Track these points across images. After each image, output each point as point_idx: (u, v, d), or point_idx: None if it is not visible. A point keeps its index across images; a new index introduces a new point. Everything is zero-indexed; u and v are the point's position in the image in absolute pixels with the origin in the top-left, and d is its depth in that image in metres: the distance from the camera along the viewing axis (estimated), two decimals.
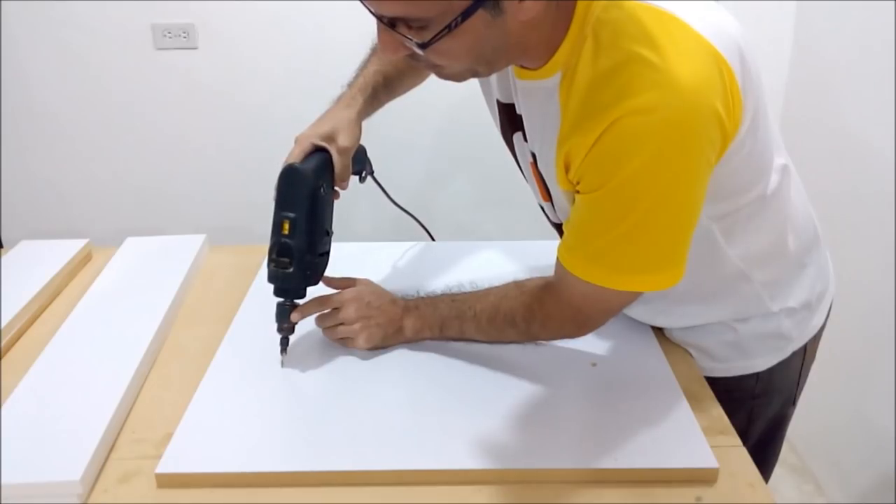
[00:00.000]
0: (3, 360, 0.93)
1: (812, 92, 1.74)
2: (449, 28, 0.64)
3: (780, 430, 1.03)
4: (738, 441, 0.77)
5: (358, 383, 0.85)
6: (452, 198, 1.93)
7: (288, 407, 0.82)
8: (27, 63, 1.74)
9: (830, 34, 1.65)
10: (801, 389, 1.00)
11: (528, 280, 0.87)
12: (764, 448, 1.01)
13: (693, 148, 0.66)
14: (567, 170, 0.72)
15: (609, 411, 0.80)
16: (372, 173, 1.05)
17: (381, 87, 0.97)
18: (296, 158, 0.86)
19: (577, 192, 0.74)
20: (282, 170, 0.84)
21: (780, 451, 1.06)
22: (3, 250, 1.21)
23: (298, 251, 0.83)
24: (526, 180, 0.92)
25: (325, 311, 0.92)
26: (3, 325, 0.95)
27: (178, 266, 1.11)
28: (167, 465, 0.72)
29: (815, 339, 0.96)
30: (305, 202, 0.83)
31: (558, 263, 0.78)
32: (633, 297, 0.80)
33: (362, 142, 0.95)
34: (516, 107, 0.83)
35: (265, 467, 0.72)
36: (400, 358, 0.90)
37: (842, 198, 1.59)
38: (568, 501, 0.70)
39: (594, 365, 0.88)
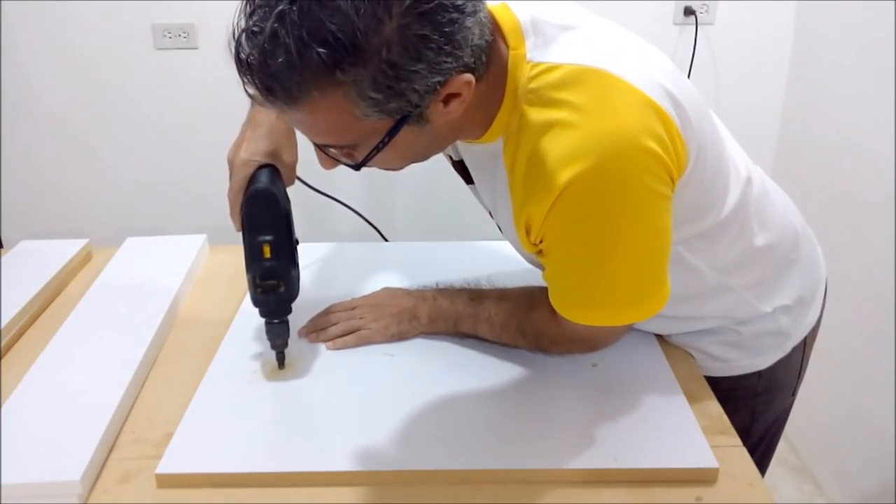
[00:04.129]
0: (3, 360, 0.93)
1: (812, 92, 1.74)
2: (378, 148, 0.66)
3: (781, 424, 1.05)
4: (738, 441, 0.77)
5: (358, 383, 0.85)
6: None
7: (288, 407, 0.82)
8: (27, 63, 1.74)
9: (830, 34, 1.65)
10: (801, 381, 1.01)
11: (537, 293, 0.86)
12: (765, 443, 1.03)
13: (639, 188, 0.68)
14: (528, 233, 0.75)
15: (609, 411, 0.80)
16: None
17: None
18: (240, 185, 0.82)
19: (541, 251, 0.77)
20: (247, 195, 0.81)
21: (778, 443, 1.07)
22: (3, 250, 1.21)
23: (284, 271, 0.82)
24: None
25: (341, 312, 0.95)
26: (3, 325, 0.95)
27: (178, 266, 1.11)
28: (167, 465, 0.72)
29: (814, 331, 0.97)
30: (280, 222, 0.82)
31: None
32: (627, 328, 0.84)
33: None
34: (465, 163, 0.86)
35: (265, 467, 0.72)
36: (400, 358, 0.90)
37: (841, 197, 1.59)
38: (568, 501, 0.70)
39: (594, 365, 0.88)
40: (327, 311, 0.97)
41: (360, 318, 0.94)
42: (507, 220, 0.78)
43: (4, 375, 0.89)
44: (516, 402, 0.81)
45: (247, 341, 0.93)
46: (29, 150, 1.83)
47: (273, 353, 0.88)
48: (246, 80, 0.60)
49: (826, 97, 1.68)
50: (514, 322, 0.87)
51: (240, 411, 0.81)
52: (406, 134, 0.66)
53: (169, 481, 0.72)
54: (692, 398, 0.82)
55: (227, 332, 0.95)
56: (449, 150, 0.87)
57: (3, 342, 0.94)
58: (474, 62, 0.65)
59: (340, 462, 0.73)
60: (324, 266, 1.13)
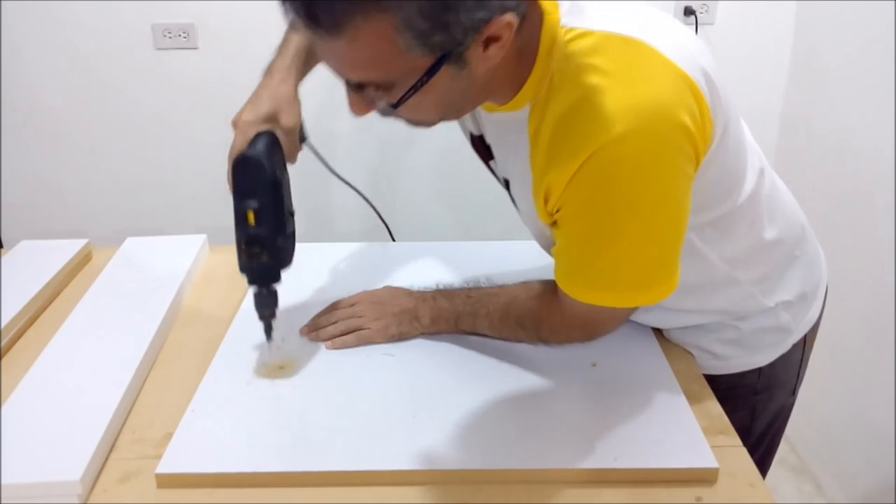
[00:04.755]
0: (3, 360, 0.93)
1: (812, 92, 1.74)
2: (415, 87, 0.65)
3: (782, 423, 1.04)
4: (738, 441, 0.77)
5: (358, 384, 0.85)
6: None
7: (288, 407, 0.82)
8: (27, 63, 1.74)
9: (830, 34, 1.65)
10: (801, 380, 1.01)
11: (536, 284, 0.87)
12: (766, 442, 1.02)
13: (669, 164, 0.68)
14: (546, 201, 0.74)
15: (609, 411, 0.80)
16: (305, 139, 0.96)
17: (312, 55, 0.91)
18: (240, 146, 0.82)
19: (555, 222, 0.76)
20: (235, 160, 0.81)
21: (779, 443, 1.07)
22: (3, 250, 1.21)
23: (269, 239, 0.82)
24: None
25: (341, 310, 0.95)
26: (3, 325, 0.95)
27: (178, 266, 1.11)
28: (167, 465, 0.72)
29: (814, 329, 0.97)
30: (266, 189, 0.81)
31: (558, 286, 0.79)
32: (630, 311, 0.83)
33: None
34: (485, 137, 0.85)
35: (265, 467, 0.72)
36: (400, 358, 0.90)
37: (841, 197, 1.59)
38: (568, 501, 0.70)
39: (594, 365, 0.88)
40: (330, 308, 0.97)
41: (361, 317, 0.93)
42: (525, 192, 0.77)
43: (4, 375, 0.89)
44: (516, 402, 0.81)
45: (247, 341, 0.93)
46: (29, 150, 1.83)
47: (281, 355, 0.88)
48: (288, 5, 0.60)
49: (826, 97, 1.68)
50: (513, 315, 0.87)
51: (240, 411, 0.81)
52: (444, 76, 0.65)
53: (169, 481, 0.72)
54: (692, 398, 0.82)
55: (227, 332, 0.95)
56: (471, 124, 0.87)
57: (3, 342, 0.94)
58: (516, 4, 0.63)
59: (340, 462, 0.73)
60: (324, 266, 1.13)
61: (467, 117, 0.87)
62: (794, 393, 1.02)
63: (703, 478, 0.72)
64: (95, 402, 0.80)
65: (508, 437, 0.76)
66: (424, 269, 1.11)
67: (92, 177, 1.87)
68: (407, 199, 1.94)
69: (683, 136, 0.67)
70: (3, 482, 0.69)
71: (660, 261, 0.74)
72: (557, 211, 0.74)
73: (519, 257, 1.11)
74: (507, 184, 0.86)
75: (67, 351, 0.90)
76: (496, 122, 0.81)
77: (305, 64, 0.90)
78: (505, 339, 0.90)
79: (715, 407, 0.83)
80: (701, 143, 0.69)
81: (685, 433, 0.76)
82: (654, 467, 0.72)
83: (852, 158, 1.57)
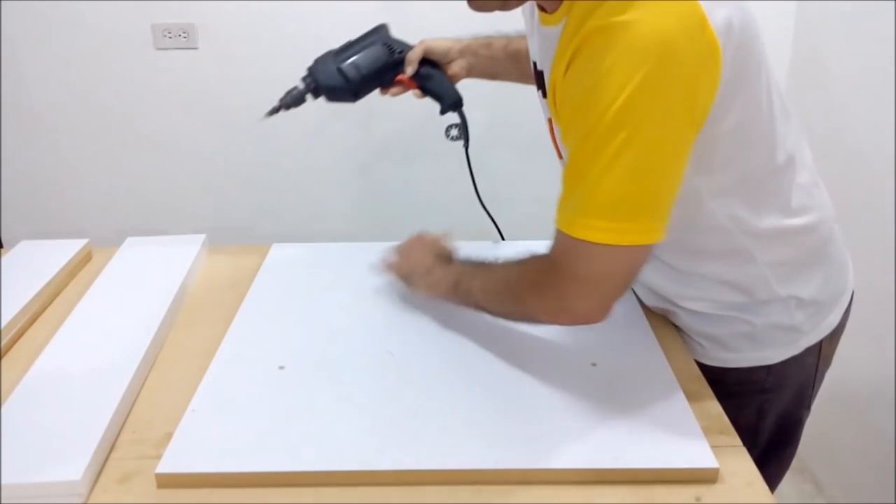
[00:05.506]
0: (3, 360, 0.93)
1: (812, 92, 1.74)
2: None
3: (794, 433, 1.02)
4: (738, 441, 0.77)
5: (358, 383, 0.85)
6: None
7: (288, 407, 0.82)
8: (27, 63, 1.74)
9: (830, 34, 1.65)
10: (816, 392, 1.00)
11: (531, 257, 0.82)
12: (777, 451, 1.01)
13: (679, 69, 0.65)
14: (555, 101, 0.75)
15: (609, 411, 0.80)
16: (451, 108, 1.11)
17: (503, 43, 1.10)
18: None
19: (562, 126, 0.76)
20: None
21: (793, 456, 1.05)
22: (3, 250, 1.21)
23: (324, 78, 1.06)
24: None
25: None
26: (3, 325, 0.95)
27: (178, 266, 1.11)
28: (167, 465, 0.72)
29: (832, 338, 0.95)
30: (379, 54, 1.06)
31: (555, 232, 0.75)
32: (630, 262, 0.73)
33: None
34: (537, 63, 0.86)
35: (265, 467, 0.72)
36: (400, 358, 0.90)
37: (841, 198, 1.59)
38: (568, 501, 0.70)
39: (594, 365, 0.88)
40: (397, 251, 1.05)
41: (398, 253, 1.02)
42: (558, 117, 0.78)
43: (4, 375, 0.89)
44: (516, 402, 0.81)
45: (247, 341, 0.93)
46: (29, 150, 1.83)
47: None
48: None
49: (826, 97, 1.68)
50: (502, 274, 0.86)
51: (240, 411, 0.81)
52: None
53: (169, 481, 0.72)
54: (692, 398, 0.82)
55: (227, 331, 0.95)
56: (532, 49, 0.90)
57: (3, 342, 0.94)
58: None
59: (340, 462, 0.73)
60: (324, 266, 1.13)
61: (530, 44, 0.90)
62: (808, 406, 1.00)
63: (703, 478, 0.72)
64: (95, 402, 0.80)
65: (508, 437, 0.76)
66: None
67: (92, 177, 1.87)
68: (407, 199, 1.94)
69: (707, 45, 0.66)
70: (3, 482, 0.69)
71: (655, 191, 0.70)
72: (561, 113, 0.75)
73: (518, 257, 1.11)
74: (551, 120, 0.85)
75: (67, 351, 0.90)
76: (542, 38, 0.82)
77: (486, 45, 1.10)
78: (493, 309, 0.89)
79: (715, 407, 0.83)
80: (707, 81, 0.68)
81: (685, 433, 0.76)
82: (654, 467, 0.72)
83: (852, 158, 1.57)
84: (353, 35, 1.09)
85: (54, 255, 1.15)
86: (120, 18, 1.70)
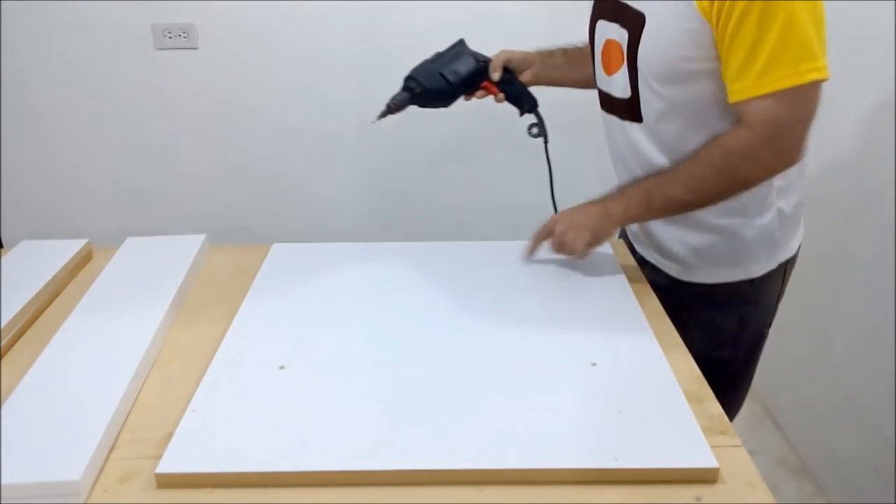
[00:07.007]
0: (3, 360, 0.93)
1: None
2: None
3: (760, 348, 1.17)
4: (738, 441, 0.77)
5: (358, 383, 0.85)
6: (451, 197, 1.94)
7: (288, 407, 0.82)
8: (27, 63, 1.74)
9: (830, 34, 1.65)
10: (775, 314, 1.15)
11: (710, 140, 0.93)
12: (749, 364, 1.17)
13: None
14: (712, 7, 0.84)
15: (609, 411, 0.80)
16: (530, 110, 1.22)
17: (561, 52, 1.23)
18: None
19: (718, 24, 0.85)
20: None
21: (753, 375, 1.20)
22: (3, 250, 1.21)
23: (425, 83, 1.14)
24: (593, 66, 1.09)
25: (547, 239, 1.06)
26: (3, 325, 0.95)
27: (178, 266, 1.11)
28: (167, 465, 0.72)
29: (792, 263, 1.10)
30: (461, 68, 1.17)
31: (737, 105, 0.89)
32: (813, 100, 0.93)
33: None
34: None
35: (265, 467, 0.72)
36: (400, 357, 0.90)
37: (841, 198, 1.59)
38: (568, 501, 0.70)
39: (594, 365, 0.88)
40: (536, 239, 1.07)
41: (563, 236, 1.02)
42: (667, 19, 0.89)
43: (4, 375, 0.89)
44: (516, 402, 0.81)
45: (247, 341, 0.93)
46: (29, 150, 1.83)
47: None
48: None
49: (826, 97, 1.68)
50: (703, 163, 0.92)
51: (240, 411, 0.81)
52: None
53: (169, 481, 0.72)
54: (692, 398, 0.82)
55: (227, 331, 0.96)
56: None
57: (3, 342, 0.94)
58: None
59: (340, 462, 0.73)
60: (325, 266, 1.13)
61: None
62: (769, 325, 1.15)
63: (703, 478, 0.72)
64: (95, 401, 0.80)
65: (508, 437, 0.76)
66: (426, 269, 1.11)
67: (92, 177, 1.87)
68: (408, 199, 1.94)
69: None
70: (3, 482, 0.69)
71: (814, 33, 0.88)
72: (719, 18, 0.84)
73: (518, 257, 1.11)
74: (635, 26, 0.93)
75: (67, 351, 0.90)
76: None
77: (548, 52, 1.23)
78: (700, 199, 0.95)
79: (715, 407, 0.83)
80: None
81: (685, 433, 0.76)
82: (654, 467, 0.72)
83: (852, 158, 1.57)
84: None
85: (54, 255, 1.15)
86: (120, 18, 1.70)
